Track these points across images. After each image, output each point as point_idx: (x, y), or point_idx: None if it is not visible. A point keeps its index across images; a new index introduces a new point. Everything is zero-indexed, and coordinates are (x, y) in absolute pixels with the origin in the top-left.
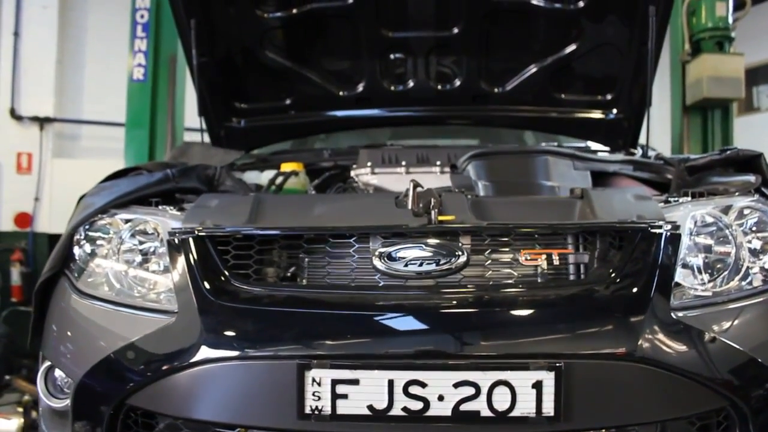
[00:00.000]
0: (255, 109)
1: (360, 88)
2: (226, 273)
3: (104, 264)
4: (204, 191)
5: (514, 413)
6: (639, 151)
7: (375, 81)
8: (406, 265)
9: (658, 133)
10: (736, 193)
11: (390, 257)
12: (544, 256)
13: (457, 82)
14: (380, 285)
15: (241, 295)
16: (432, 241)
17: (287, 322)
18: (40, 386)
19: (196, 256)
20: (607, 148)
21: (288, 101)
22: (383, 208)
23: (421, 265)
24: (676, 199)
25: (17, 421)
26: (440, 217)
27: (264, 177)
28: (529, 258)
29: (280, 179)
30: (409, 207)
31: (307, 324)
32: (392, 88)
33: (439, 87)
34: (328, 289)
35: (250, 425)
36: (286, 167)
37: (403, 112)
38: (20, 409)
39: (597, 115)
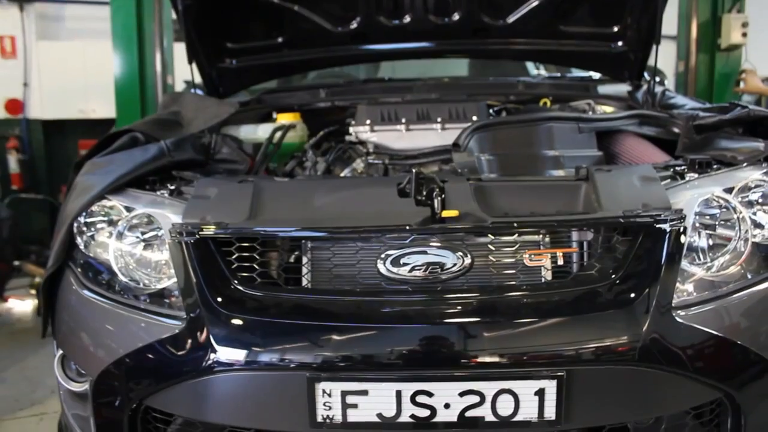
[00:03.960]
0: (246, 48)
1: (355, 23)
2: (230, 277)
3: (107, 254)
4: (200, 161)
5: (517, 418)
6: (644, 86)
7: (370, 16)
8: (410, 270)
9: None
10: (744, 164)
11: (394, 262)
12: (548, 245)
13: (456, 16)
14: (386, 290)
15: (248, 304)
16: (435, 241)
17: (295, 335)
18: (57, 371)
19: (198, 260)
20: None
21: (280, 39)
22: (386, 198)
23: (426, 270)
24: (682, 166)
25: (32, 302)
26: (444, 213)
27: (260, 131)
28: (533, 258)
29: (278, 135)
30: (413, 196)
31: (316, 337)
32: (389, 22)
33: (438, 21)
34: (333, 295)
35: (265, 430)
36: (283, 118)
37: (400, 45)
38: (33, 291)
39: (602, 47)
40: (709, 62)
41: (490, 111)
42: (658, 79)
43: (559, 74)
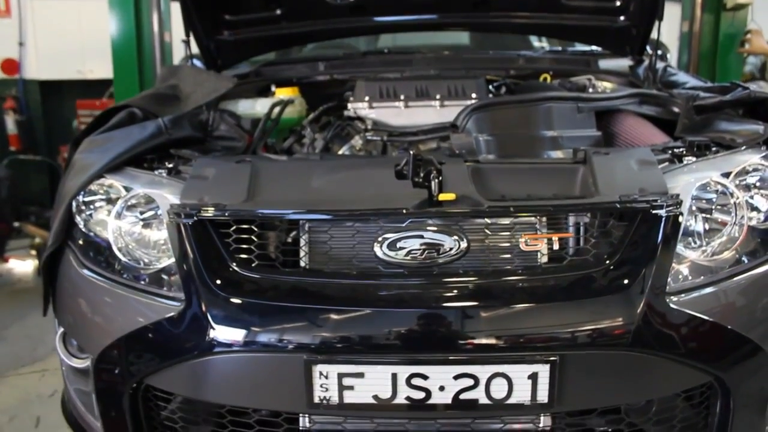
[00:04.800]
0: (245, 20)
1: None
2: (228, 259)
3: (107, 233)
4: (199, 138)
5: (511, 401)
6: (646, 61)
7: None
8: (407, 254)
9: None
10: (743, 147)
11: (391, 246)
12: (544, 231)
13: None
14: (382, 272)
15: (245, 286)
16: (432, 225)
17: (292, 317)
18: (59, 348)
19: (196, 242)
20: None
21: (279, 11)
22: (383, 179)
23: (422, 254)
24: (681, 148)
25: (32, 263)
26: (441, 197)
27: (259, 107)
28: (529, 243)
29: (276, 111)
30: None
31: (312, 320)
32: None
33: None
34: (330, 278)
35: (263, 409)
36: (281, 93)
37: (399, 18)
38: (33, 252)
39: (604, 21)
40: (714, 22)
41: (490, 87)
42: (660, 52)
43: (560, 48)
